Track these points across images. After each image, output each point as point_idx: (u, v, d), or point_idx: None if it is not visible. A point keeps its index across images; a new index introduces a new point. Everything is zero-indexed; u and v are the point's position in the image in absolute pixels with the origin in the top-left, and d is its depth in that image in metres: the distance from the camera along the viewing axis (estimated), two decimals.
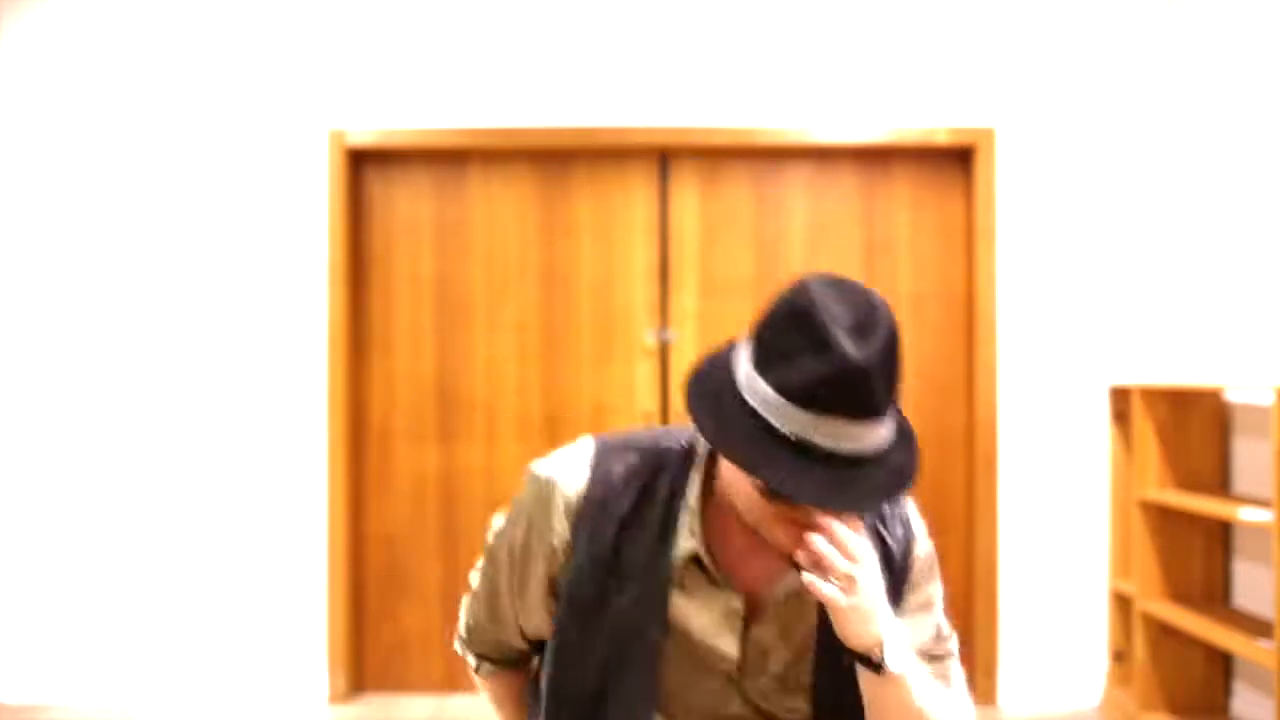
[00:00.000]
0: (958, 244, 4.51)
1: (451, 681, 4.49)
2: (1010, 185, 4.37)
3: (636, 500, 1.38)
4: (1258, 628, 3.53)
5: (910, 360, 4.50)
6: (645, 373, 4.47)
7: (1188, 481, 3.98)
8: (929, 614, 1.46)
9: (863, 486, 1.21)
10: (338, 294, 4.38)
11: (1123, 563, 4.24)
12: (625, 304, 4.49)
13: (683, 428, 1.45)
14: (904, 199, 4.53)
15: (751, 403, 1.23)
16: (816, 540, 1.24)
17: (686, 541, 1.37)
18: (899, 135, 4.38)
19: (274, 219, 4.40)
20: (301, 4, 4.41)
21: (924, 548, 1.48)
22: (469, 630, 1.58)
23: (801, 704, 1.41)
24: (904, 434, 1.28)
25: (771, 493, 1.24)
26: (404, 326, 4.55)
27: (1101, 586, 4.32)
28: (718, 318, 4.48)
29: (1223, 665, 3.98)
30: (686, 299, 4.49)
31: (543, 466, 1.43)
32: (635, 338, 4.48)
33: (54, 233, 4.41)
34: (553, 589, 1.42)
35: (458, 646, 1.61)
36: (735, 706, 1.40)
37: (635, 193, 4.52)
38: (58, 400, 4.39)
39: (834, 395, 1.18)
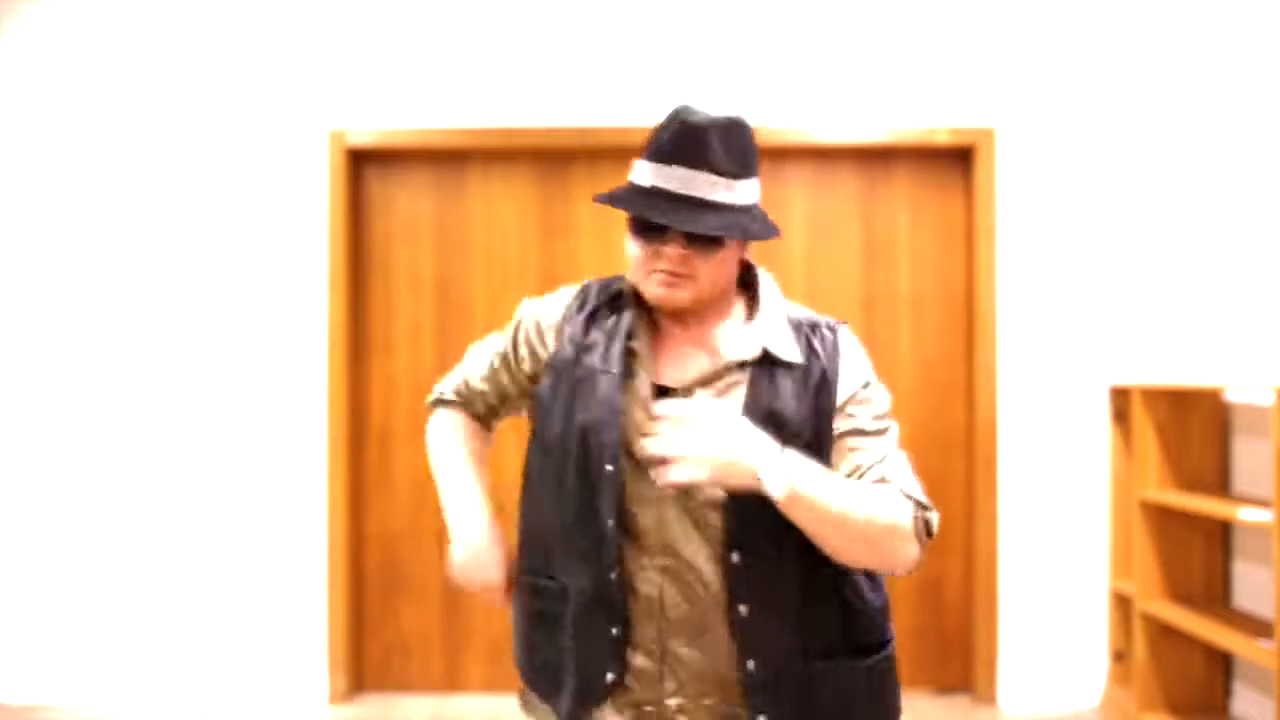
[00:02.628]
0: (958, 244, 4.51)
1: (451, 681, 4.49)
2: (1010, 185, 4.37)
3: (599, 303, 1.69)
4: (1258, 628, 3.53)
5: (910, 360, 4.50)
6: None
7: (1188, 481, 3.98)
8: (867, 405, 1.61)
9: (700, 218, 1.51)
10: (338, 294, 4.38)
11: (1123, 563, 4.24)
12: None
13: None
14: (904, 199, 4.53)
15: (630, 177, 1.60)
16: (648, 443, 1.45)
17: (628, 323, 1.64)
18: (899, 135, 4.38)
19: (274, 219, 4.40)
20: (301, 4, 4.41)
21: (859, 371, 1.62)
22: (450, 381, 1.86)
23: (715, 518, 1.56)
24: (762, 219, 1.57)
25: (633, 230, 1.57)
26: (404, 327, 4.55)
27: (1101, 586, 4.32)
28: None
29: (1223, 665, 3.98)
30: None
31: (538, 298, 1.79)
32: None
33: (54, 233, 4.41)
34: (538, 369, 1.72)
35: (432, 397, 1.87)
36: (674, 511, 1.57)
37: None
38: (58, 401, 4.39)
39: (674, 146, 1.52)
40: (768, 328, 1.61)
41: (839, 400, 1.58)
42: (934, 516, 1.54)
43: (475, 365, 1.82)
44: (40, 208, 4.41)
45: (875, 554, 1.49)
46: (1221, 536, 3.99)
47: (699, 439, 1.42)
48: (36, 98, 4.41)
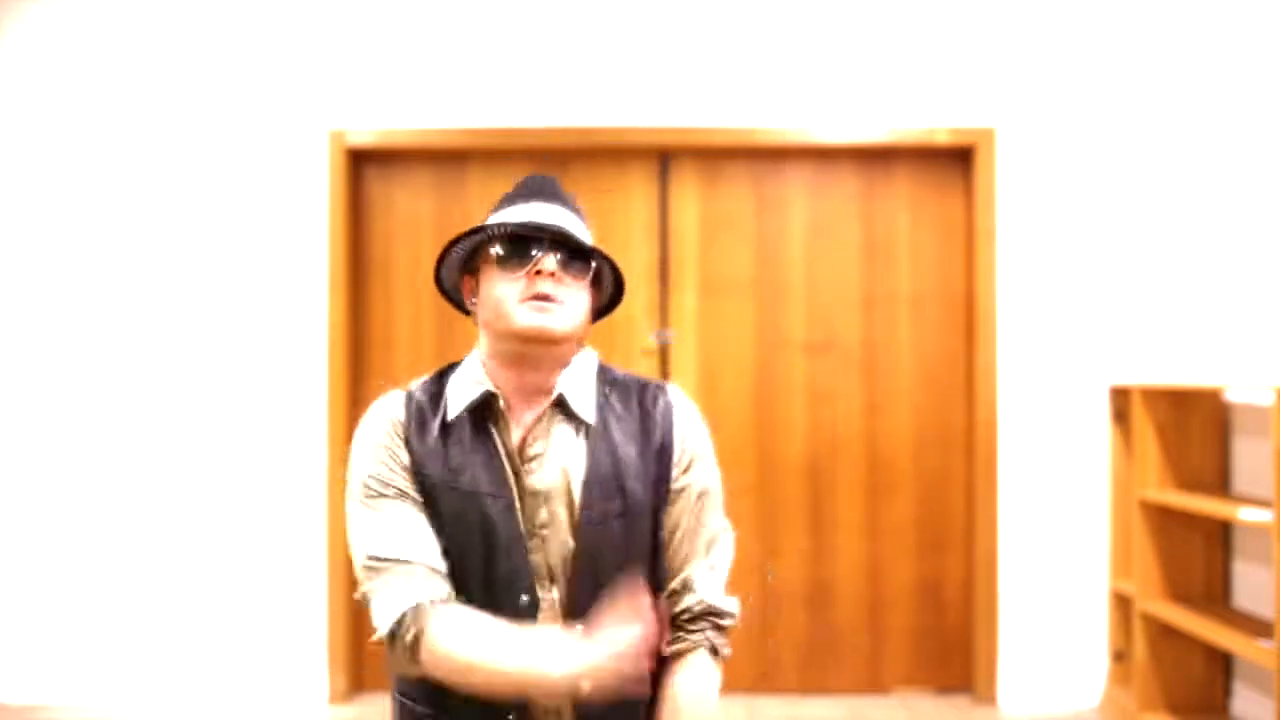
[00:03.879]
0: (958, 244, 4.51)
1: None
2: (1010, 185, 4.37)
3: (436, 394, 1.66)
4: (1258, 628, 3.53)
5: (910, 360, 4.50)
6: (645, 372, 4.46)
7: (1188, 481, 3.98)
8: (705, 498, 1.68)
9: (570, 233, 1.59)
10: (338, 294, 4.38)
11: (1123, 563, 4.24)
12: (625, 304, 4.47)
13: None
14: (904, 199, 4.52)
15: (490, 222, 1.63)
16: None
17: (476, 389, 1.63)
18: (899, 135, 4.38)
19: (274, 219, 4.40)
20: (301, 4, 4.41)
21: (687, 418, 1.70)
22: (388, 597, 1.57)
23: (562, 539, 1.60)
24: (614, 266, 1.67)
25: (502, 259, 1.58)
26: (404, 327, 4.55)
27: (1101, 586, 4.32)
28: (718, 318, 4.48)
29: (1223, 665, 3.98)
30: (686, 299, 4.49)
31: (366, 422, 1.70)
32: (635, 338, 4.48)
33: (54, 233, 4.41)
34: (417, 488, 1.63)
35: (392, 632, 1.56)
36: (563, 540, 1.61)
37: (635, 193, 4.52)
38: (58, 401, 4.39)
39: (529, 188, 1.65)
40: (573, 379, 1.65)
41: (674, 464, 1.65)
42: (727, 623, 1.66)
43: (388, 539, 1.60)
44: (41, 208, 4.41)
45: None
46: (1221, 536, 3.99)
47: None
48: (36, 98, 4.41)
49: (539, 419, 1.62)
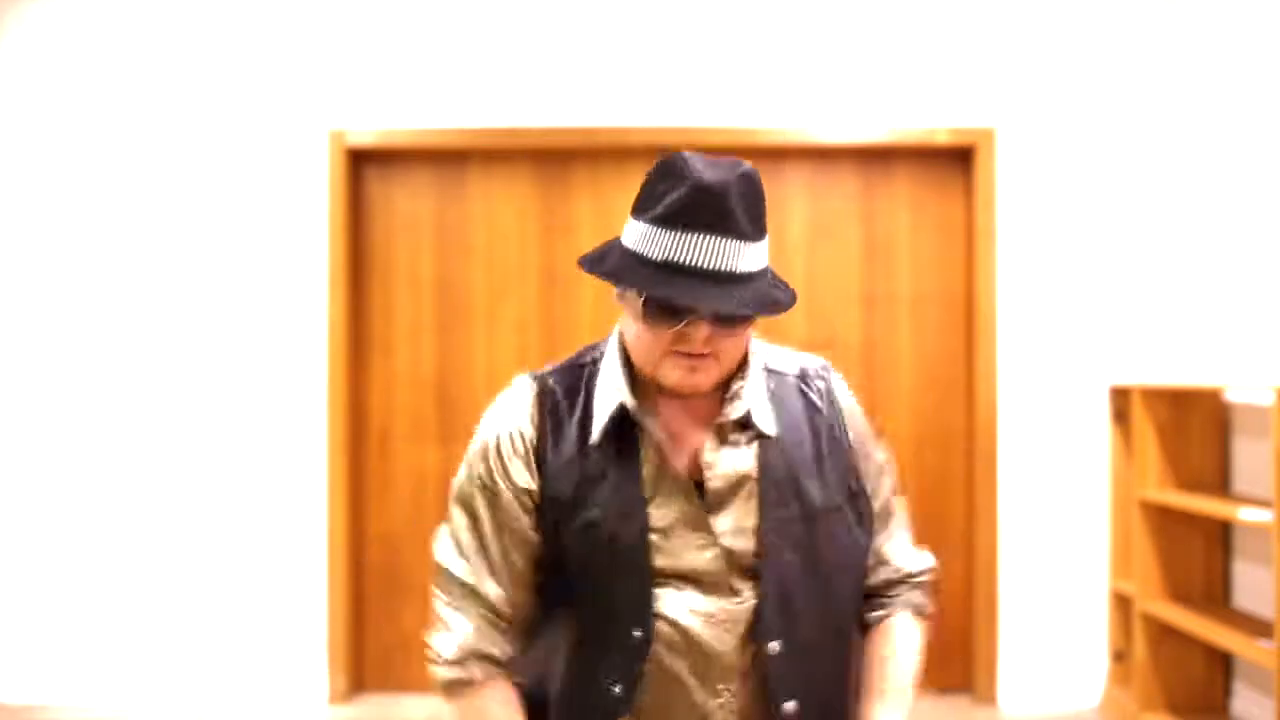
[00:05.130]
0: (958, 244, 4.51)
1: None
2: (1010, 185, 4.37)
3: (574, 388, 1.48)
4: (1258, 628, 3.53)
5: (910, 360, 4.50)
6: None
7: (1188, 481, 3.98)
8: (883, 474, 1.58)
9: (732, 294, 1.33)
10: (338, 294, 4.38)
11: (1123, 563, 4.24)
12: None
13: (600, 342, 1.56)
14: (904, 199, 4.52)
15: (626, 244, 1.39)
16: None
17: (614, 398, 1.44)
18: (899, 135, 4.38)
19: (274, 219, 4.40)
20: (301, 4, 4.41)
21: (849, 400, 1.57)
22: (452, 637, 1.46)
23: (742, 544, 1.44)
24: (775, 278, 1.42)
25: (651, 313, 1.36)
26: (404, 326, 4.54)
27: (1101, 586, 4.32)
28: None
29: (1223, 665, 3.98)
30: None
31: (491, 420, 1.51)
32: None
33: (54, 233, 4.40)
34: (535, 517, 1.46)
35: (444, 668, 1.45)
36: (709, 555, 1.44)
37: (635, 192, 4.51)
38: (58, 401, 4.38)
39: (693, 212, 1.32)
40: (751, 391, 1.48)
41: (856, 452, 1.54)
42: (924, 579, 1.60)
43: (471, 559, 1.46)
44: (40, 208, 4.41)
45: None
46: (1221, 536, 3.99)
47: None
48: (36, 98, 4.41)
49: (707, 435, 1.46)
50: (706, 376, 1.41)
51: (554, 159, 4.51)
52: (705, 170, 1.35)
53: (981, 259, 4.36)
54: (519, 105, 4.39)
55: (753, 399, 1.46)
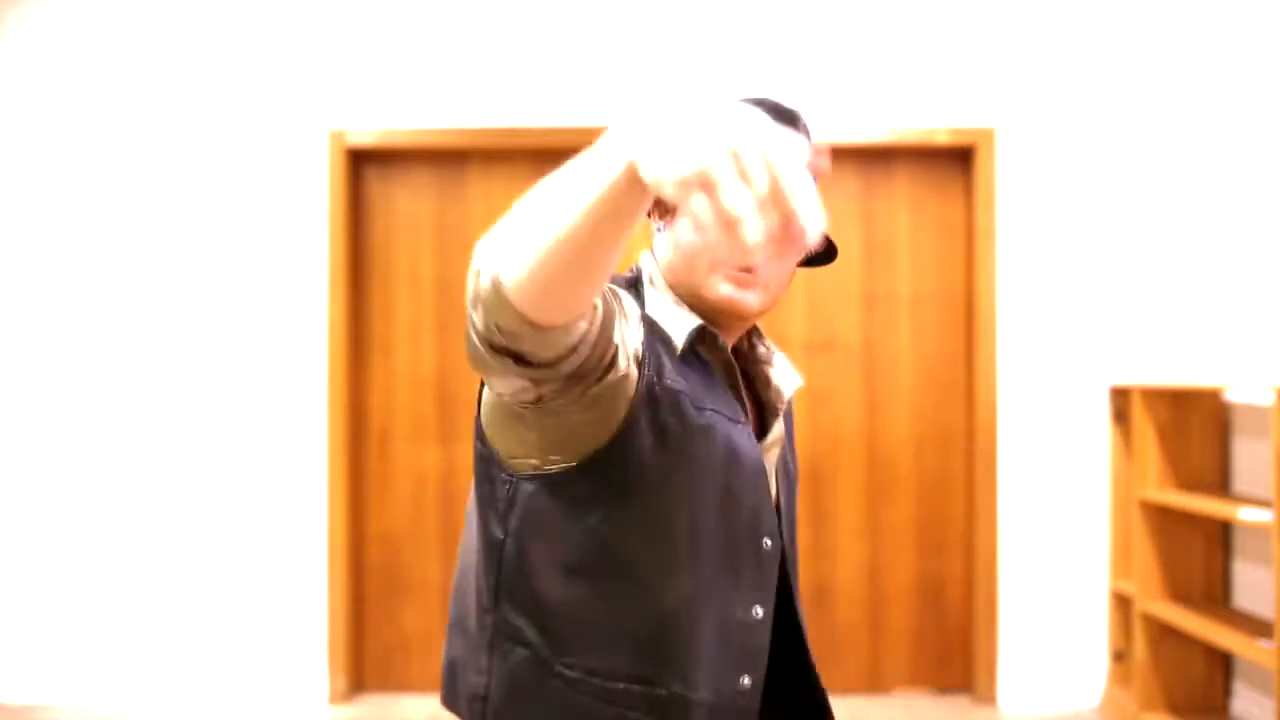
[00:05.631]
0: (958, 244, 4.51)
1: None
2: (1010, 185, 4.37)
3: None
4: (1258, 628, 3.53)
5: (910, 360, 4.50)
6: None
7: (1188, 481, 3.98)
8: None
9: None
10: (338, 294, 4.38)
11: (1123, 563, 4.24)
12: None
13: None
14: (904, 199, 4.53)
15: None
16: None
17: (689, 319, 1.28)
18: (899, 135, 4.38)
19: (274, 219, 4.40)
20: (301, 4, 4.41)
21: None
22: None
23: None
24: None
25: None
26: (404, 326, 4.55)
27: (1101, 586, 4.32)
28: None
29: (1223, 665, 3.98)
30: None
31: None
32: None
33: (54, 233, 4.41)
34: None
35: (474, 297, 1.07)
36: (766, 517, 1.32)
37: None
38: (58, 400, 4.39)
39: (771, 115, 1.29)
40: (783, 359, 1.43)
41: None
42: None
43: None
44: (40, 208, 4.41)
45: None
46: (1221, 536, 3.99)
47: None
48: (36, 98, 4.41)
49: (761, 365, 1.40)
50: (754, 294, 1.28)
51: (554, 159, 4.51)
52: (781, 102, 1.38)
53: (981, 259, 4.36)
54: (519, 105, 4.39)
55: (790, 372, 1.42)
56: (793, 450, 1.43)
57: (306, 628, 4.37)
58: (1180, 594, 3.96)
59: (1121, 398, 4.26)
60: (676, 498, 1.21)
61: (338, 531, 4.36)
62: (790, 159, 0.81)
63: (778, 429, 1.36)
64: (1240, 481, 3.95)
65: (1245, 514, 3.35)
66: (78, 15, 4.41)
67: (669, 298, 1.30)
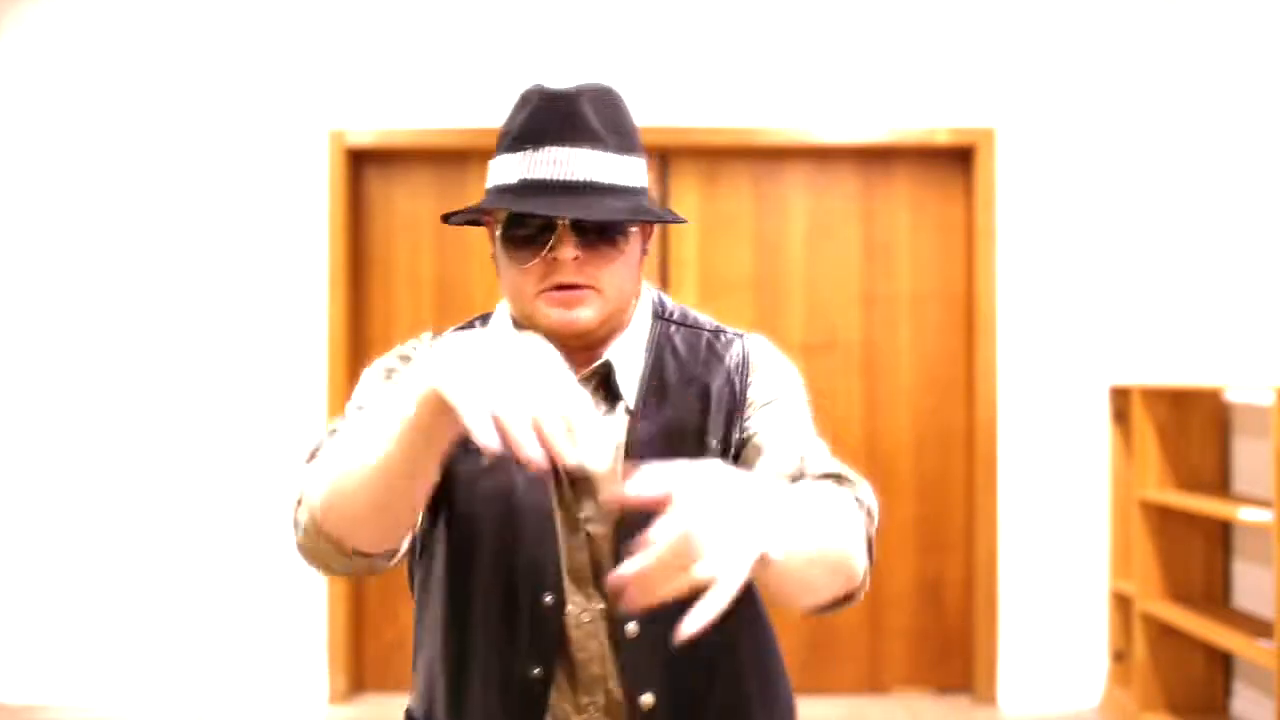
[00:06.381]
0: (958, 244, 4.51)
1: None
2: (1010, 185, 4.37)
3: None
4: (1258, 628, 3.53)
5: (910, 360, 4.50)
6: None
7: (1188, 481, 3.98)
8: (783, 408, 1.29)
9: (592, 202, 1.18)
10: (338, 294, 4.38)
11: (1123, 563, 4.24)
12: None
13: None
14: (904, 199, 4.52)
15: (486, 187, 1.27)
16: (633, 567, 0.89)
17: None
18: (899, 135, 4.38)
19: (274, 219, 4.40)
20: (301, 4, 4.41)
21: (769, 365, 1.33)
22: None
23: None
24: (657, 204, 1.27)
25: (510, 240, 1.22)
26: (404, 326, 4.54)
27: (1101, 586, 4.32)
28: (717, 318, 4.46)
29: (1223, 665, 3.98)
30: (686, 299, 4.49)
31: (387, 355, 1.43)
32: None
33: (54, 233, 4.41)
34: None
35: (296, 534, 1.23)
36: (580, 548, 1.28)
37: None
38: (57, 400, 4.39)
39: (542, 123, 1.22)
40: (622, 349, 1.30)
41: (744, 413, 1.30)
42: (869, 503, 1.19)
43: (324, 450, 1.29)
44: (40, 208, 4.41)
45: (830, 586, 1.11)
46: (1221, 536, 3.99)
47: (691, 531, 0.89)
48: (36, 98, 4.41)
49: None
50: (586, 309, 1.22)
51: None
52: (554, 86, 1.26)
53: (981, 259, 4.36)
54: None
55: (622, 354, 1.29)
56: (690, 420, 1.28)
57: (306, 628, 4.37)
58: (1180, 594, 3.96)
59: (1121, 398, 4.27)
60: (452, 553, 1.31)
61: None
62: (555, 407, 0.92)
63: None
64: (1240, 481, 3.95)
65: (1245, 514, 3.35)
66: (78, 15, 4.41)
67: (512, 330, 1.27)
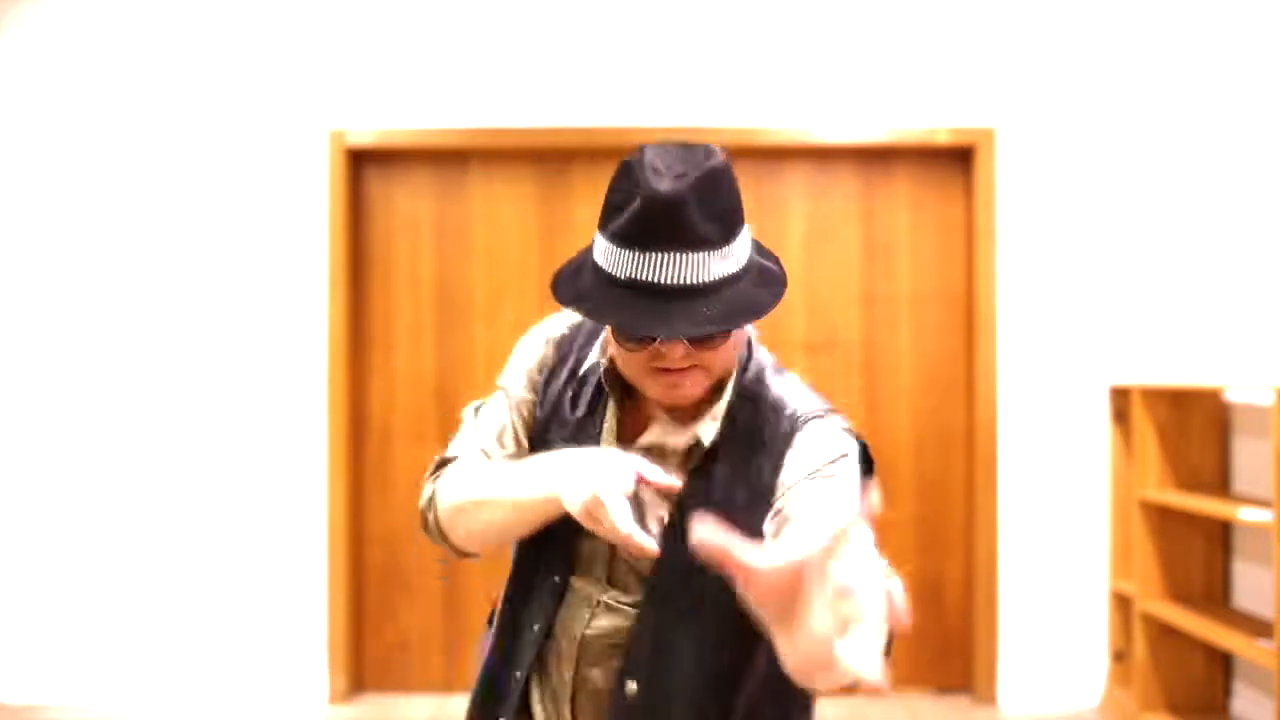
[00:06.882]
0: (958, 244, 4.51)
1: (451, 681, 4.49)
2: (1010, 185, 4.37)
3: (575, 345, 1.52)
4: (1258, 628, 3.53)
5: (910, 360, 4.50)
6: None
7: (1188, 481, 3.98)
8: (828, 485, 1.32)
9: (697, 310, 1.26)
10: (338, 294, 4.38)
11: (1123, 563, 4.24)
12: None
13: None
14: (904, 199, 4.52)
15: (596, 259, 1.32)
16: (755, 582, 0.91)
17: (599, 366, 1.46)
18: (899, 135, 4.38)
19: (274, 219, 4.40)
20: (301, 4, 4.41)
21: (810, 446, 1.36)
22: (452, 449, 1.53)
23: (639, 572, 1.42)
24: (763, 272, 1.34)
25: (621, 336, 1.33)
26: (404, 326, 4.54)
27: (1101, 586, 4.32)
28: None
29: (1223, 665, 3.98)
30: None
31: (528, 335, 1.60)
32: None
33: (54, 233, 4.41)
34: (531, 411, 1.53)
35: (422, 518, 1.52)
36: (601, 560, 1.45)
37: None
38: (58, 400, 4.38)
39: (648, 228, 1.25)
40: (714, 411, 1.41)
41: (780, 486, 1.35)
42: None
43: (460, 442, 1.53)
44: (40, 208, 4.41)
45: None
46: (1221, 536, 3.99)
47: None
48: (36, 98, 4.41)
49: (651, 426, 1.42)
50: (692, 388, 1.35)
51: (554, 159, 4.51)
52: (657, 179, 1.26)
53: (981, 259, 4.36)
54: (519, 105, 4.39)
55: (706, 427, 1.40)
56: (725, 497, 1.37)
57: (306, 628, 4.37)
58: (1180, 594, 3.96)
59: (1121, 398, 4.27)
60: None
61: (338, 531, 4.36)
62: (624, 510, 1.20)
63: (648, 439, 1.43)
64: (1240, 481, 3.95)
65: (1245, 514, 3.35)
66: (77, 15, 4.41)
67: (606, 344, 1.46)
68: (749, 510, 1.34)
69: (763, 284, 1.33)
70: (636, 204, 1.25)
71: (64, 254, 4.40)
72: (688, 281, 1.26)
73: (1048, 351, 4.35)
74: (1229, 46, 4.15)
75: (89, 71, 4.41)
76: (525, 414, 1.51)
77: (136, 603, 4.37)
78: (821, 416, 1.41)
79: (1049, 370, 4.35)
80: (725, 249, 1.29)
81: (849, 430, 1.42)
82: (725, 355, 1.36)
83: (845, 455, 1.37)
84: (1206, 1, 4.26)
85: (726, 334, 1.33)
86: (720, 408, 1.40)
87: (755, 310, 1.30)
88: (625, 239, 1.27)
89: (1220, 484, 4.00)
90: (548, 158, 4.51)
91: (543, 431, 1.48)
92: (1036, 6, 4.37)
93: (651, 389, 1.36)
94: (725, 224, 1.29)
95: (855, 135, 4.38)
